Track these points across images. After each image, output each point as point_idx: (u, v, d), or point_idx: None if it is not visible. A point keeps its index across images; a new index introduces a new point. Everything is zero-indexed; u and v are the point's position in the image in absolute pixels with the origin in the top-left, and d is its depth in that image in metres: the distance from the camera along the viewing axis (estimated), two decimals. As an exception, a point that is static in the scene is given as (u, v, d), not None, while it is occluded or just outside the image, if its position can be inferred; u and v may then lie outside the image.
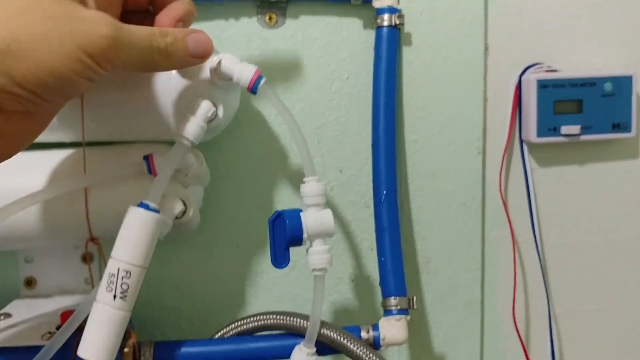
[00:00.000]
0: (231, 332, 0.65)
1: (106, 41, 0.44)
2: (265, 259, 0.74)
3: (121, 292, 0.50)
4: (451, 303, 0.77)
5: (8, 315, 0.63)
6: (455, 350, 0.77)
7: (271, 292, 0.75)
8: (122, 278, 0.50)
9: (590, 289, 0.80)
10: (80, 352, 0.51)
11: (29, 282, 0.70)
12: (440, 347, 0.77)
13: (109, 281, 0.50)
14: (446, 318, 0.77)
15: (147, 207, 0.52)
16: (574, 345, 0.80)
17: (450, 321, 0.77)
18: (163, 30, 0.50)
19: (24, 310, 0.65)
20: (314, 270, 0.58)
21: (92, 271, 0.68)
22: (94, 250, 0.70)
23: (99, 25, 0.44)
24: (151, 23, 0.53)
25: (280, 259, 0.57)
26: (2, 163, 0.54)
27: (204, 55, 0.53)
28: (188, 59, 0.52)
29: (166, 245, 0.71)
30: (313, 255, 0.58)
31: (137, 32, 0.48)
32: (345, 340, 0.60)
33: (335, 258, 0.74)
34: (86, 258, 0.70)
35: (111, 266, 0.51)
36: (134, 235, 0.51)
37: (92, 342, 0.50)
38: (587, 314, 0.80)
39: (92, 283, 0.69)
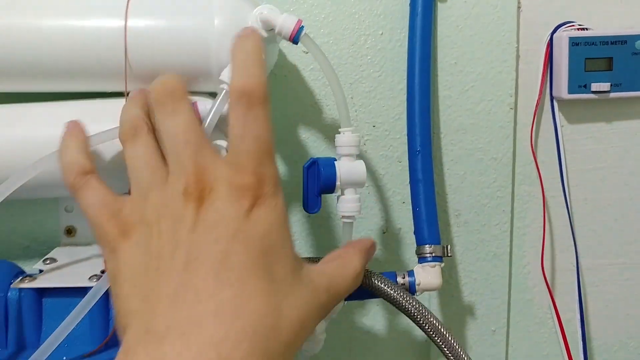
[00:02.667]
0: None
1: None
2: (299, 210, 0.75)
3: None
4: (480, 255, 0.78)
5: (53, 260, 0.65)
6: (483, 299, 0.79)
7: (305, 241, 0.77)
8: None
9: (616, 243, 0.81)
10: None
11: (69, 231, 0.72)
12: (470, 296, 0.79)
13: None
14: (475, 269, 0.79)
15: (193, 154, 0.52)
16: (598, 297, 0.82)
17: (479, 272, 0.79)
18: None
19: (66, 256, 0.66)
20: (343, 217, 0.60)
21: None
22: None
23: None
24: None
25: (312, 205, 0.59)
26: (43, 114, 0.54)
27: None
28: None
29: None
30: (343, 203, 0.59)
31: None
32: (384, 284, 0.61)
33: (367, 211, 0.76)
34: (126, 207, 0.71)
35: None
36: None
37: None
38: (612, 267, 0.81)
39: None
